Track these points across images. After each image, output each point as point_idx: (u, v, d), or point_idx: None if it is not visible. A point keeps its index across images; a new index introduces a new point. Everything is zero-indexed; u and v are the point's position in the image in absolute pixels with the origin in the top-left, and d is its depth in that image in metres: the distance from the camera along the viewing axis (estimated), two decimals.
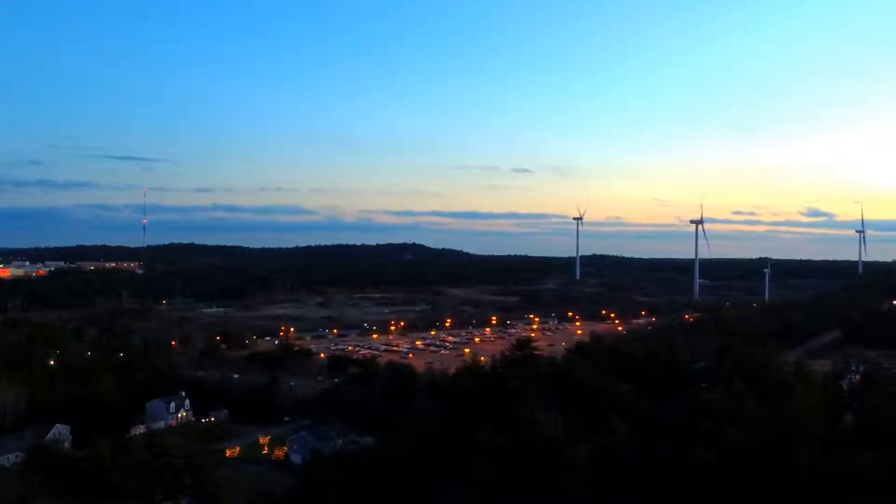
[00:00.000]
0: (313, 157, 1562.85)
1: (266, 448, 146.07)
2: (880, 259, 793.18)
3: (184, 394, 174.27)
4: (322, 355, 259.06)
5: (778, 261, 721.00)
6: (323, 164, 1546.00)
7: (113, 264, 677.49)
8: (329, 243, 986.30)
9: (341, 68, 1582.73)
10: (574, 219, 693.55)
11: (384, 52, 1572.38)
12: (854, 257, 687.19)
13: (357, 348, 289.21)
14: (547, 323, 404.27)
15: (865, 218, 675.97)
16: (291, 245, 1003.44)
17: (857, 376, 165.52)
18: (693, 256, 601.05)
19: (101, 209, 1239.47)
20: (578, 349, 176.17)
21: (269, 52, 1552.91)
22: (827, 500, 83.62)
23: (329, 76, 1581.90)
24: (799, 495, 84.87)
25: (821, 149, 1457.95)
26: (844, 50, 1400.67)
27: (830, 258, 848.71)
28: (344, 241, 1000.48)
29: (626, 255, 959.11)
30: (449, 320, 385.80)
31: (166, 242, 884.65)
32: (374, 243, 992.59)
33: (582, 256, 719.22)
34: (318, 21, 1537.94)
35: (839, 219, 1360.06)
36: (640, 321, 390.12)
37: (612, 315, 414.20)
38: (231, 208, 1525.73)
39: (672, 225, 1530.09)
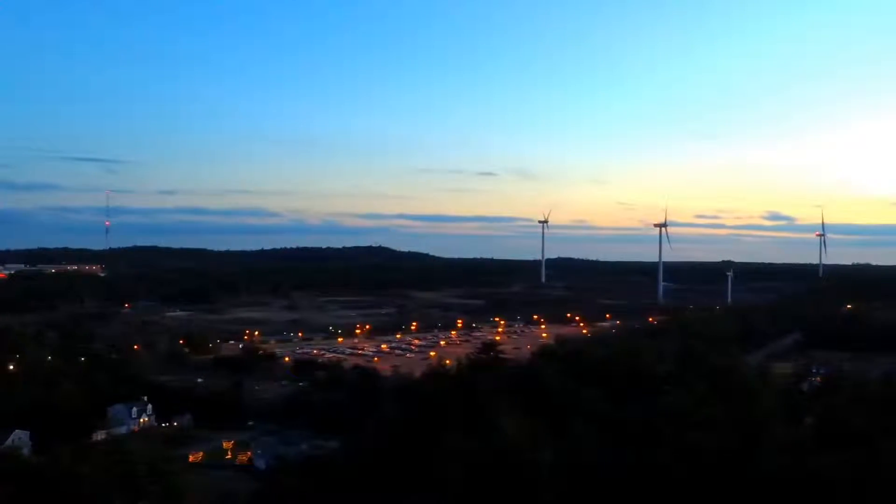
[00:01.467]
0: (278, 160, 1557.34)
1: (230, 453, 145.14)
2: (841, 262, 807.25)
3: (146, 399, 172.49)
4: (287, 359, 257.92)
5: (740, 264, 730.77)
6: (288, 167, 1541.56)
7: (75, 267, 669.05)
8: (295, 246, 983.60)
9: (307, 70, 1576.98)
10: (539, 222, 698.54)
11: (351, 55, 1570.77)
12: (815, 260, 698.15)
13: (323, 352, 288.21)
14: (512, 326, 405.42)
15: (826, 221, 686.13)
16: (256, 248, 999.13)
17: (818, 378, 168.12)
18: (657, 259, 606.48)
19: (63, 211, 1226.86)
20: (544, 352, 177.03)
21: (235, 54, 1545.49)
22: (788, 502, 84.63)
23: (295, 78, 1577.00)
24: (761, 498, 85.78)
25: (781, 153, 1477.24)
26: (806, 55, 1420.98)
27: (792, 261, 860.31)
28: (310, 244, 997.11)
29: (591, 259, 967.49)
30: (415, 323, 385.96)
31: (130, 245, 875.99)
32: (340, 246, 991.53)
33: (547, 259, 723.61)
34: (284, 21, 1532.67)
35: (800, 222, 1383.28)
36: (605, 324, 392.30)
37: (578, 318, 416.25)
38: (195, 211, 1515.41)
39: (636, 228, 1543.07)
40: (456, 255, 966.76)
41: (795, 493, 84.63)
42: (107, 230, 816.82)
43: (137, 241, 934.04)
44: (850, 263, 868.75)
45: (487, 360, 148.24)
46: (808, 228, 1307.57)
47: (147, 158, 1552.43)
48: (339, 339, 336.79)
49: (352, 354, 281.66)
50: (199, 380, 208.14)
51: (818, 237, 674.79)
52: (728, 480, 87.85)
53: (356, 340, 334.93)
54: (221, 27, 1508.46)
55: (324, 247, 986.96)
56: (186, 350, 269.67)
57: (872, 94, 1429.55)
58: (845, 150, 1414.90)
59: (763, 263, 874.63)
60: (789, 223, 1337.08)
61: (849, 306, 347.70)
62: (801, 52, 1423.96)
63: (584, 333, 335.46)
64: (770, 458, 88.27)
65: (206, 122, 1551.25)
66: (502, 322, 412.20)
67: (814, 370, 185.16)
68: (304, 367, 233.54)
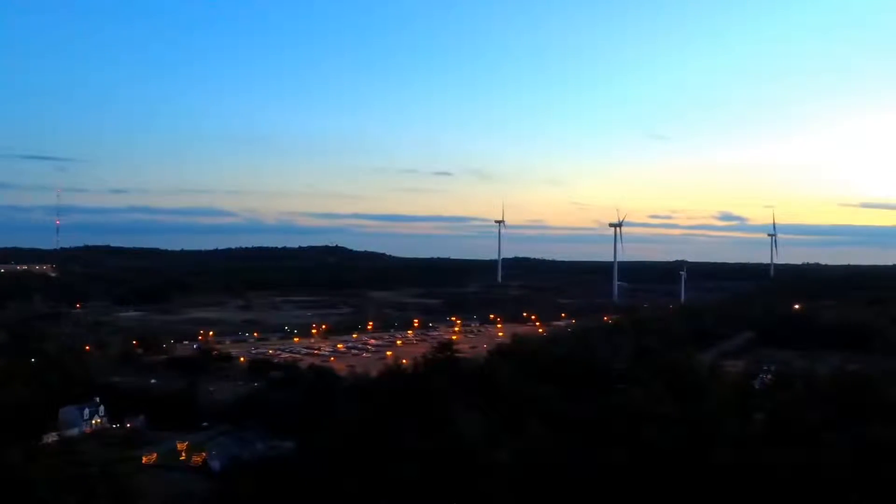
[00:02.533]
0: (232, 159, 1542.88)
1: (184, 454, 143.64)
2: (791, 262, 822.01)
3: (98, 400, 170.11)
4: (242, 359, 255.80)
5: (693, 263, 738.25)
6: (243, 166, 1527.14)
7: (25, 267, 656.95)
8: (250, 246, 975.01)
9: (261, 68, 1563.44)
10: (496, 221, 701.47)
11: (307, 54, 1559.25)
12: (766, 260, 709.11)
13: (278, 352, 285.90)
14: (469, 325, 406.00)
15: (777, 222, 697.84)
16: (211, 247, 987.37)
17: (769, 376, 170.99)
18: (612, 259, 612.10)
19: (11, 210, 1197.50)
20: (500, 351, 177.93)
21: (188, 51, 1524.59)
22: (740, 498, 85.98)
23: (248, 76, 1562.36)
24: (715, 492, 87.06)
25: (733, 154, 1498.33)
26: (758, 57, 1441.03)
27: (743, 261, 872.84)
28: (265, 244, 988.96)
29: (547, 258, 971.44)
30: (371, 323, 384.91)
31: (81, 245, 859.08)
32: (295, 246, 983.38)
33: (504, 259, 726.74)
34: (237, 20, 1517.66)
35: (751, 223, 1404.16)
36: (561, 323, 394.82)
37: (534, 317, 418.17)
38: (148, 210, 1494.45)
39: (592, 228, 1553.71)
40: (412, 255, 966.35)
41: (748, 487, 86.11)
42: (57, 229, 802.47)
43: (89, 240, 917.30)
44: (800, 263, 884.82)
45: (444, 359, 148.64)
46: (759, 229, 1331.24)
47: (98, 157, 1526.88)
48: (295, 339, 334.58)
49: (308, 354, 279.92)
50: (153, 380, 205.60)
51: (769, 237, 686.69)
52: (682, 476, 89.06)
53: (312, 340, 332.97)
54: (176, 24, 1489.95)
55: (279, 246, 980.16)
56: (139, 351, 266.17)
57: (823, 97, 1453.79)
58: (795, 152, 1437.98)
59: (715, 263, 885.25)
60: (741, 223, 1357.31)
61: (797, 306, 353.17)
62: (753, 53, 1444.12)
63: (540, 332, 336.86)
64: (722, 455, 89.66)
65: (158, 120, 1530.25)
66: (459, 321, 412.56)
67: (765, 368, 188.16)
68: (260, 367, 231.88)
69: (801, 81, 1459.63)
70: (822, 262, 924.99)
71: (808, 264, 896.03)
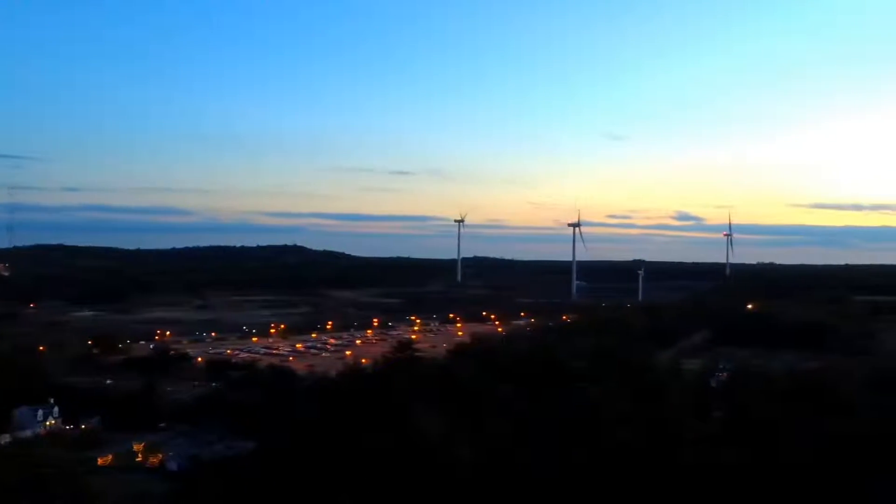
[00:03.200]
0: (191, 157, 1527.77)
1: (140, 455, 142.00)
2: (746, 261, 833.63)
3: (53, 401, 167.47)
4: (200, 359, 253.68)
5: (651, 263, 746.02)
6: (201, 164, 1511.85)
7: None
8: (208, 245, 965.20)
9: (218, 65, 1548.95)
10: (455, 221, 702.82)
11: (265, 52, 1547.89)
12: (722, 259, 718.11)
13: (237, 352, 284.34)
14: (429, 325, 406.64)
15: (732, 222, 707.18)
16: (168, 246, 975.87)
17: (725, 374, 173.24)
18: (571, 258, 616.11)
19: None
20: (459, 350, 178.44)
21: (145, 46, 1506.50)
22: (700, 496, 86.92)
23: (206, 73, 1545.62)
24: (673, 492, 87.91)
25: (689, 155, 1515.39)
26: (713, 59, 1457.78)
27: (700, 260, 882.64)
28: (223, 243, 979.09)
29: (507, 258, 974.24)
30: (330, 322, 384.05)
31: (34, 243, 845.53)
32: (254, 245, 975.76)
33: (463, 259, 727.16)
34: (198, 16, 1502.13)
35: (707, 223, 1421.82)
36: (521, 322, 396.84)
37: (493, 316, 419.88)
38: (105, 208, 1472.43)
39: (550, 228, 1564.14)
40: (372, 255, 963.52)
41: (707, 485, 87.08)
42: (10, 228, 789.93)
43: (43, 239, 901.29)
44: (755, 263, 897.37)
45: (403, 358, 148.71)
46: (715, 228, 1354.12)
47: (53, 154, 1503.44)
48: (254, 339, 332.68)
49: (266, 354, 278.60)
50: (109, 381, 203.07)
51: (725, 237, 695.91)
52: (642, 474, 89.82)
53: (271, 340, 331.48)
54: (133, 20, 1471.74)
55: (238, 245, 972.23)
56: (95, 351, 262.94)
57: (776, 100, 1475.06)
58: (749, 154, 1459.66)
59: (673, 262, 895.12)
60: (697, 223, 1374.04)
61: (750, 305, 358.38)
62: (710, 56, 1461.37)
63: (499, 331, 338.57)
64: (681, 452, 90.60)
65: (115, 117, 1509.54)
66: (418, 321, 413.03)
67: (721, 366, 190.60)
68: (218, 367, 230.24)
69: (756, 85, 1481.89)
70: (777, 261, 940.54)
71: (762, 264, 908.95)
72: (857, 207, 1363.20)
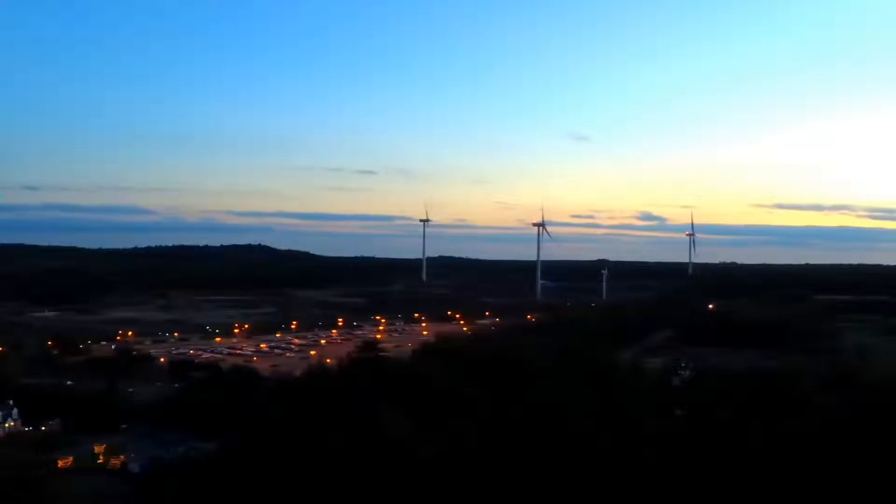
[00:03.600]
0: (152, 156, 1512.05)
1: (102, 457, 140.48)
2: (709, 261, 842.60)
3: (12, 402, 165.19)
4: (163, 360, 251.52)
5: (615, 262, 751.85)
6: (163, 163, 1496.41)
7: None
8: (171, 244, 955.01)
9: (182, 63, 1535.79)
10: (421, 220, 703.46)
11: (230, 49, 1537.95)
12: (685, 259, 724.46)
13: (200, 352, 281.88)
14: (394, 324, 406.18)
15: (695, 222, 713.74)
16: (130, 246, 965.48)
17: (687, 373, 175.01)
18: (536, 258, 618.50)
19: None
20: (424, 350, 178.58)
21: (106, 45, 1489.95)
22: (662, 491, 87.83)
23: (169, 71, 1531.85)
24: (636, 487, 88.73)
25: (652, 155, 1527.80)
26: (676, 61, 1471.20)
27: (663, 260, 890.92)
28: (187, 242, 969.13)
29: (472, 257, 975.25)
30: (295, 322, 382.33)
31: None
32: (218, 244, 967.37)
33: (429, 258, 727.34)
34: (159, 13, 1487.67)
35: (670, 223, 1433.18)
36: (486, 322, 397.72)
37: (458, 316, 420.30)
38: (65, 207, 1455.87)
39: (515, 227, 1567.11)
40: (337, 254, 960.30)
41: (669, 480, 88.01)
42: None
43: (2, 238, 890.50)
44: (717, 262, 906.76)
45: (368, 358, 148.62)
46: (677, 228, 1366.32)
47: (10, 153, 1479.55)
48: (218, 339, 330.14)
49: (230, 354, 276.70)
50: (69, 382, 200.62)
51: (688, 237, 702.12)
52: (606, 470, 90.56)
53: (235, 340, 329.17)
54: (93, 17, 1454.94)
55: (202, 245, 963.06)
56: (56, 351, 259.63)
57: (739, 103, 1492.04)
58: (712, 155, 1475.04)
59: (636, 262, 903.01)
60: (660, 223, 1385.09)
61: (712, 305, 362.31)
62: (673, 59, 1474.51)
63: (464, 331, 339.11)
64: (643, 448, 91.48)
65: (75, 116, 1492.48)
66: (384, 320, 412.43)
67: (683, 365, 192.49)
68: (181, 367, 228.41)
69: (720, 87, 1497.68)
70: (739, 261, 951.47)
71: (724, 263, 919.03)
72: (818, 208, 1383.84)
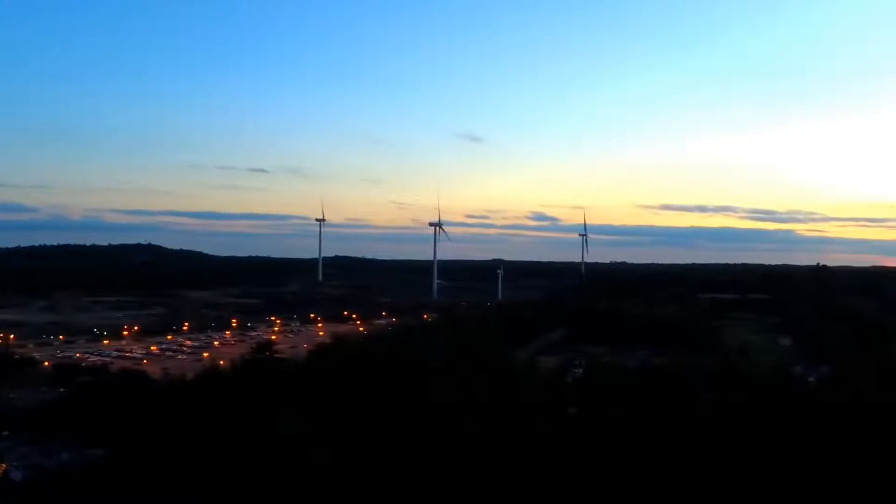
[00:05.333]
0: (33, 152, 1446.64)
1: None
2: (600, 261, 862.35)
3: None
4: (47, 363, 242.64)
5: (510, 262, 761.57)
6: (43, 159, 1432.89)
7: None
8: (55, 243, 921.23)
9: (63, 54, 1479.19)
10: (316, 220, 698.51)
11: (114, 41, 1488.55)
12: (578, 259, 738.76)
13: (87, 355, 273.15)
14: (289, 325, 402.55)
15: (588, 223, 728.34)
16: (12, 245, 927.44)
17: (580, 371, 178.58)
18: (432, 258, 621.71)
19: None
20: (320, 350, 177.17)
21: None
22: (555, 489, 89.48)
23: (50, 64, 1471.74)
24: (530, 487, 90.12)
25: (543, 155, 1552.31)
26: (566, 60, 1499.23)
27: (557, 260, 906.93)
28: (71, 241, 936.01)
29: (368, 257, 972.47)
30: (187, 324, 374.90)
31: None
32: (105, 244, 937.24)
33: (324, 258, 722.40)
34: (42, 3, 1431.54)
35: (562, 223, 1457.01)
36: (382, 321, 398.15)
37: (355, 316, 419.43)
38: None
39: (410, 227, 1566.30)
40: (230, 253, 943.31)
41: (561, 479, 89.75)
42: None
43: None
44: (608, 262, 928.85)
45: (263, 359, 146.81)
46: (569, 229, 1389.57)
47: None
48: (106, 342, 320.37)
49: (119, 357, 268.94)
50: None
51: (580, 237, 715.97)
52: (499, 470, 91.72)
53: (124, 342, 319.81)
54: None
55: (88, 244, 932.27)
56: None
57: (628, 105, 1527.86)
58: (601, 155, 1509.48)
59: (530, 262, 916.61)
60: (553, 224, 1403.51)
61: (604, 303, 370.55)
62: (562, 57, 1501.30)
63: (360, 331, 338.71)
64: (538, 448, 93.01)
65: None
66: (278, 321, 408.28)
67: (576, 363, 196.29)
68: (66, 371, 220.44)
69: (607, 88, 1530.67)
70: (629, 260, 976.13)
71: (615, 263, 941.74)
72: (702, 209, 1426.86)
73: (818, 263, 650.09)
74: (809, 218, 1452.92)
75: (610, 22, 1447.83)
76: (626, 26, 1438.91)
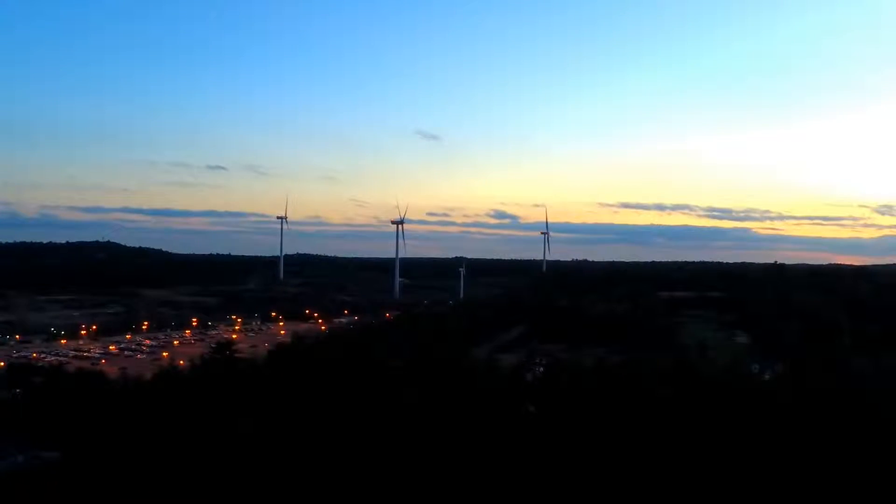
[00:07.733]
0: None
1: None
2: (561, 258, 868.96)
3: None
4: (1, 364, 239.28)
5: (471, 260, 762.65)
6: None
7: None
8: (8, 241, 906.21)
9: (16, 49, 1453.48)
10: (277, 218, 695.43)
11: (67, 32, 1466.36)
12: (539, 256, 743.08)
13: (42, 355, 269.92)
14: (249, 324, 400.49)
15: (549, 221, 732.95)
16: None
17: (540, 369, 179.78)
18: (393, 256, 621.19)
19: None
20: (280, 350, 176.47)
21: None
22: (515, 487, 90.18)
23: (3, 58, 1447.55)
24: (488, 486, 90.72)
25: (502, 154, 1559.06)
26: (526, 57, 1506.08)
27: (518, 257, 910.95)
28: (25, 239, 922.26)
29: (329, 255, 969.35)
30: (146, 323, 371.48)
31: None
32: (62, 241, 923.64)
33: (285, 256, 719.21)
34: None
35: (523, 221, 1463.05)
36: (343, 320, 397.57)
37: (316, 315, 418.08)
38: None
39: (371, 225, 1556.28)
40: (188, 251, 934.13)
41: (522, 478, 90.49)
42: None
43: None
44: (569, 260, 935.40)
45: (222, 359, 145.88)
46: (530, 227, 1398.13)
47: None
48: (62, 342, 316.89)
49: (76, 357, 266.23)
50: None
51: (542, 235, 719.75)
52: (456, 468, 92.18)
53: (81, 342, 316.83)
54: None
55: (43, 242, 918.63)
56: None
57: (586, 103, 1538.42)
58: (561, 154, 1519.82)
59: (492, 259, 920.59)
60: (513, 221, 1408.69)
61: (564, 301, 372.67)
62: (522, 54, 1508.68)
63: (321, 330, 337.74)
64: (498, 446, 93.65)
65: None
66: (239, 320, 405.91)
67: (536, 360, 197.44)
68: (21, 372, 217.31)
69: (565, 87, 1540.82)
70: (589, 258, 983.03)
71: (576, 261, 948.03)
72: (660, 207, 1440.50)
73: (774, 261, 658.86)
74: (765, 216, 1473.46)
75: (565, 20, 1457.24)
76: (581, 24, 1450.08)
